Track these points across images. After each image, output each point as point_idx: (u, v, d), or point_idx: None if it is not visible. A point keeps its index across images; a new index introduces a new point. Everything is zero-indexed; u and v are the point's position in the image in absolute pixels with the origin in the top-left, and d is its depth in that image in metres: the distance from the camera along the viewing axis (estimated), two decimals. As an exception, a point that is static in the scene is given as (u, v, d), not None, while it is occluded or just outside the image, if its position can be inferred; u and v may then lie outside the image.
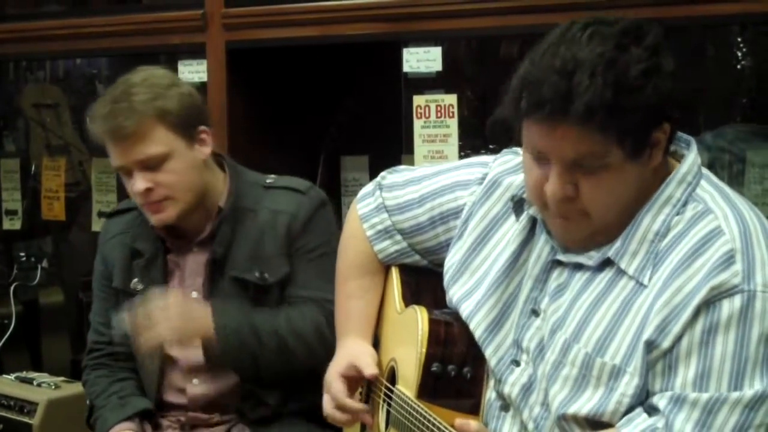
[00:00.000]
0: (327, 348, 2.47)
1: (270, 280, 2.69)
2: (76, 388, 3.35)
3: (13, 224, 4.17)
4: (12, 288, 4.08)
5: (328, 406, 2.21)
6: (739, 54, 3.30)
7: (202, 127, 2.68)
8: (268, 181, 2.79)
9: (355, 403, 2.18)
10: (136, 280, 2.76)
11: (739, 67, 3.32)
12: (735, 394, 1.68)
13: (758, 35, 3.33)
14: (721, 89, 3.41)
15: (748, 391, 1.68)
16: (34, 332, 4.32)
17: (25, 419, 3.32)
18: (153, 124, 2.58)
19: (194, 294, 2.70)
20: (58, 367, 3.97)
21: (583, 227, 1.83)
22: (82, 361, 2.92)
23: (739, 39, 3.30)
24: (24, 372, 3.57)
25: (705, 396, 1.68)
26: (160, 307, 2.58)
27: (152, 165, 2.59)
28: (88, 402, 2.82)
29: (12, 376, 3.51)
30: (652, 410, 1.73)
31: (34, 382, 3.43)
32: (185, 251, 2.74)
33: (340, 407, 2.18)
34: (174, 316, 2.58)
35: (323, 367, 2.27)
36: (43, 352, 4.36)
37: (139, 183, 2.60)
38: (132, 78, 2.65)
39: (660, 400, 1.72)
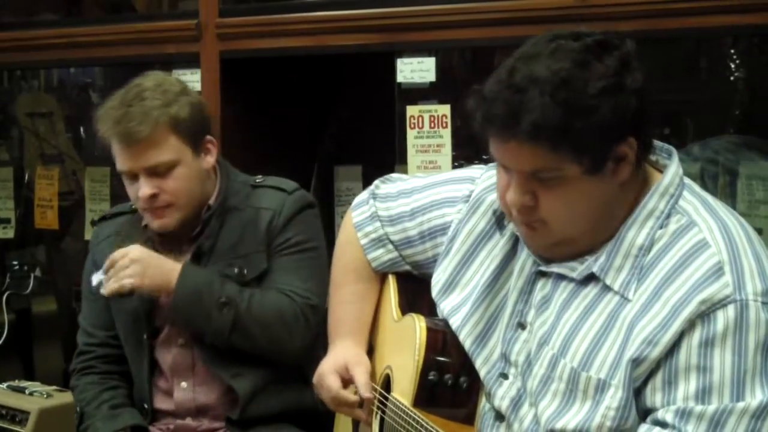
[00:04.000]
0: (291, 334, 2.56)
1: (248, 276, 2.70)
2: (68, 397, 3.33)
3: (6, 233, 4.16)
4: (4, 297, 4.07)
5: (329, 403, 2.24)
6: (732, 66, 3.31)
7: (209, 137, 2.71)
8: (257, 180, 2.82)
9: (350, 396, 2.18)
10: None
11: (732, 78, 3.33)
12: (740, 405, 1.68)
13: (751, 47, 3.34)
14: (714, 101, 3.42)
15: (753, 401, 1.68)
16: (27, 341, 4.31)
17: (17, 428, 3.30)
18: (166, 132, 2.60)
19: None
20: (50, 376, 3.95)
21: (545, 236, 1.83)
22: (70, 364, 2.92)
23: (732, 51, 3.31)
24: (16, 381, 3.56)
25: (711, 408, 1.69)
26: (125, 253, 2.61)
27: (160, 172, 2.61)
28: (78, 409, 2.81)
29: (4, 385, 3.50)
30: (660, 424, 1.73)
31: (26, 391, 3.42)
32: (175, 250, 2.74)
33: (336, 400, 2.19)
34: (139, 261, 2.59)
35: (299, 360, 2.29)
36: (36, 361, 4.34)
37: (145, 188, 2.61)
38: (144, 82, 2.66)
39: (666, 414, 1.72)
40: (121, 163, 2.63)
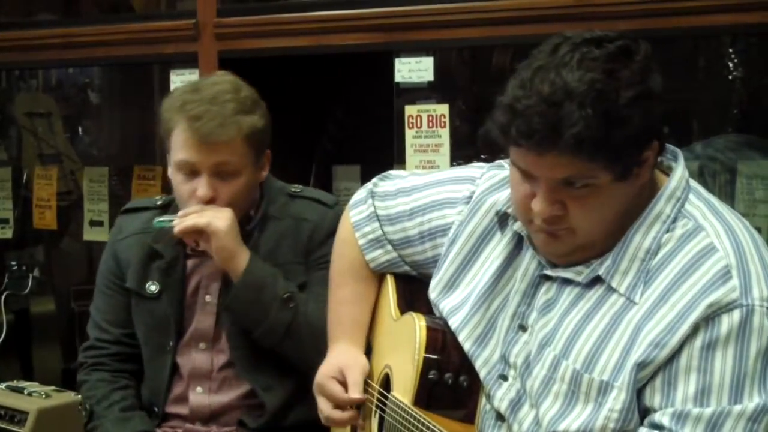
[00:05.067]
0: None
1: None
2: (66, 397, 3.34)
3: (4, 233, 4.16)
4: (3, 297, 4.07)
5: (325, 408, 2.21)
6: (731, 65, 3.31)
7: (268, 151, 2.69)
8: (294, 189, 2.79)
9: (354, 396, 2.17)
10: (150, 282, 2.73)
11: (730, 78, 3.33)
12: (737, 407, 1.68)
13: (749, 46, 3.34)
14: (713, 100, 3.42)
15: (750, 404, 1.68)
16: (25, 341, 4.31)
17: (16, 428, 3.30)
18: (240, 139, 2.56)
19: (208, 297, 2.69)
20: (49, 377, 3.95)
21: (568, 243, 1.83)
22: (77, 356, 2.87)
23: (731, 50, 3.31)
24: (15, 381, 3.55)
25: (708, 410, 1.69)
26: (220, 210, 2.57)
27: (224, 173, 2.58)
28: (87, 406, 2.77)
29: (3, 385, 3.50)
30: (657, 427, 1.73)
31: (25, 391, 3.41)
32: (206, 255, 2.68)
33: (341, 404, 2.18)
34: (228, 221, 2.56)
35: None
36: (34, 361, 4.35)
37: (204, 188, 2.57)
38: (220, 83, 2.63)
39: (663, 417, 1.72)
40: (187, 154, 2.57)
